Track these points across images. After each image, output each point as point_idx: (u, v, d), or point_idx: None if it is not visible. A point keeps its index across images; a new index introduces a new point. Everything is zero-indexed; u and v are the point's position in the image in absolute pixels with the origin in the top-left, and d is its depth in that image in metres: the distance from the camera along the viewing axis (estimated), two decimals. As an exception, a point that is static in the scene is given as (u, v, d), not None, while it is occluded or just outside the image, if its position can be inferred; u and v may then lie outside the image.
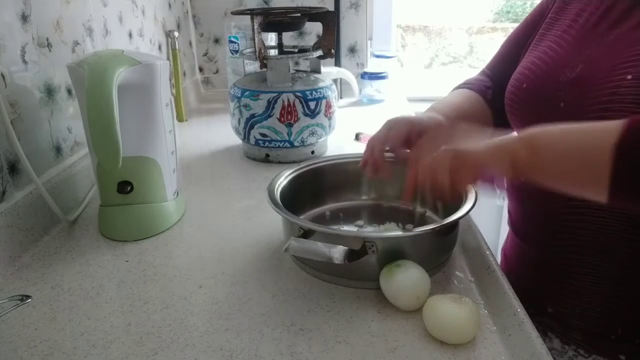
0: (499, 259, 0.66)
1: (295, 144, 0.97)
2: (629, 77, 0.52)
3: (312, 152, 1.01)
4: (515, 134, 0.53)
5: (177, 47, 1.32)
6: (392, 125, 0.67)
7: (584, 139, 0.47)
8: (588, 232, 0.60)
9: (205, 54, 1.61)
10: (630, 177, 0.43)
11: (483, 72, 0.82)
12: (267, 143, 0.97)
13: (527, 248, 0.70)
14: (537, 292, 0.68)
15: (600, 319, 0.63)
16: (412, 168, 0.56)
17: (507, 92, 0.69)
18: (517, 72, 0.68)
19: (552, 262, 0.66)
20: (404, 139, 0.65)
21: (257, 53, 0.91)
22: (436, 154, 0.53)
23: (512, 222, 0.74)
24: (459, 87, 0.82)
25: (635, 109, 0.51)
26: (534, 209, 0.68)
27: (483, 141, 0.52)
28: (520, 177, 0.50)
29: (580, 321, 0.64)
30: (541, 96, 0.63)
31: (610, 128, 0.44)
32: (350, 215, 0.75)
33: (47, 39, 0.77)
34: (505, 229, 1.92)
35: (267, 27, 0.95)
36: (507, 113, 0.70)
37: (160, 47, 1.32)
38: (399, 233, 0.62)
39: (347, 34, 1.53)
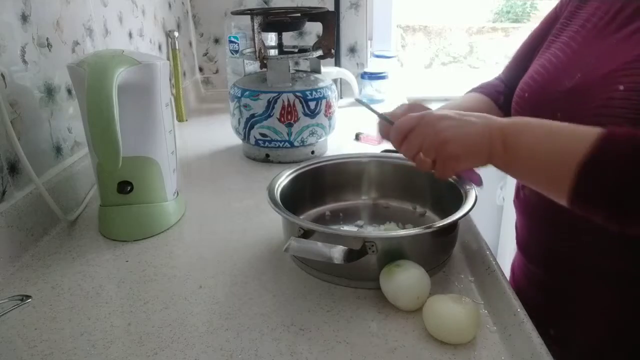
0: (499, 259, 0.66)
1: (295, 144, 0.97)
2: (621, 87, 0.51)
3: (312, 152, 1.01)
4: (500, 120, 0.53)
5: (177, 47, 1.32)
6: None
7: (555, 146, 0.48)
8: (590, 256, 0.59)
9: (205, 54, 1.61)
10: (589, 192, 0.45)
11: (498, 77, 0.81)
12: (267, 143, 0.97)
13: (532, 267, 0.69)
14: (541, 313, 0.66)
15: (600, 345, 0.61)
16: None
17: (512, 102, 0.68)
18: (522, 81, 0.67)
19: (554, 283, 0.64)
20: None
21: (257, 53, 0.91)
22: (420, 133, 0.54)
23: (518, 240, 0.73)
24: (471, 90, 0.81)
25: (624, 122, 0.49)
26: (538, 228, 0.66)
27: (465, 125, 0.53)
28: (498, 168, 0.52)
29: (579, 346, 0.63)
30: (541, 106, 0.62)
31: (581, 140, 0.45)
32: (350, 215, 0.75)
33: (47, 39, 0.77)
34: (505, 229, 1.93)
35: (267, 27, 0.95)
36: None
37: (160, 47, 1.32)
38: (399, 233, 0.62)
39: (347, 34, 1.53)
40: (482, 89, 0.79)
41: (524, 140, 0.50)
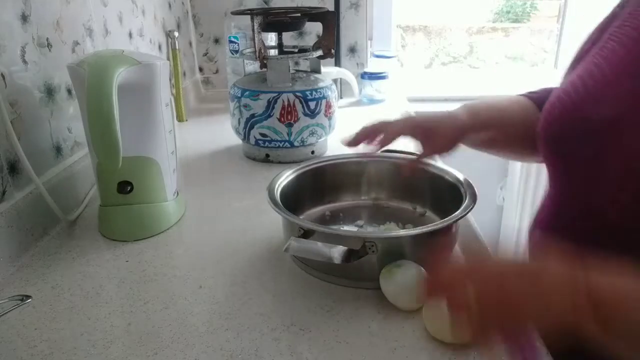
0: None
1: (295, 144, 0.97)
2: None
3: (312, 152, 1.01)
4: (586, 280, 0.37)
5: (177, 47, 1.32)
6: (401, 117, 0.65)
7: None
8: None
9: (205, 54, 1.61)
10: None
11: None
12: (267, 143, 0.97)
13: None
14: None
15: None
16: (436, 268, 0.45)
17: (541, 117, 0.57)
18: (556, 92, 0.56)
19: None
20: (407, 129, 0.64)
21: (257, 53, 0.91)
22: (479, 273, 0.41)
23: None
24: (520, 94, 0.71)
25: None
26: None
27: (542, 289, 0.38)
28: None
29: None
30: (567, 135, 0.51)
31: None
32: (350, 215, 0.75)
33: (47, 39, 0.77)
34: (505, 229, 1.92)
35: (267, 27, 0.95)
36: (537, 137, 0.59)
37: (160, 47, 1.32)
38: (399, 233, 0.62)
39: (347, 34, 1.53)
40: (532, 94, 0.70)
41: (624, 315, 0.37)
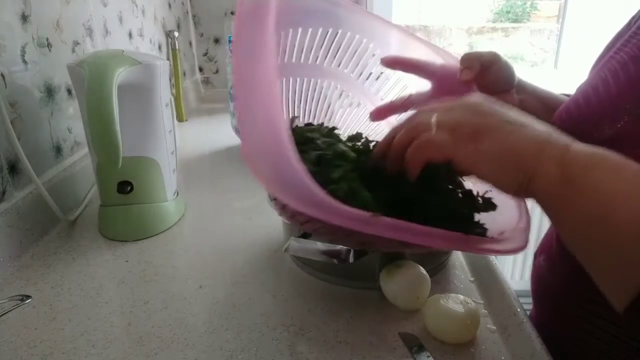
0: (498, 259, 0.63)
1: (295, 144, 0.96)
2: None
3: (312, 152, 1.00)
4: (571, 139, 0.35)
5: (177, 47, 1.32)
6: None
7: None
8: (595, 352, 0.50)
9: (205, 54, 1.61)
10: None
11: None
12: (267, 143, 0.96)
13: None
14: None
15: None
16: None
17: (554, 118, 0.53)
18: (565, 105, 0.52)
19: None
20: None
21: (257, 53, 0.91)
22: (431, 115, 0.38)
23: (534, 315, 0.62)
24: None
25: None
26: (550, 306, 0.58)
27: (516, 122, 0.36)
28: (537, 202, 0.35)
29: None
30: None
31: None
32: (350, 215, 0.75)
33: (47, 39, 0.77)
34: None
35: (267, 27, 0.94)
36: None
37: (160, 47, 1.32)
38: (399, 233, 0.62)
39: (347, 34, 1.53)
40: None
41: (596, 177, 0.32)
